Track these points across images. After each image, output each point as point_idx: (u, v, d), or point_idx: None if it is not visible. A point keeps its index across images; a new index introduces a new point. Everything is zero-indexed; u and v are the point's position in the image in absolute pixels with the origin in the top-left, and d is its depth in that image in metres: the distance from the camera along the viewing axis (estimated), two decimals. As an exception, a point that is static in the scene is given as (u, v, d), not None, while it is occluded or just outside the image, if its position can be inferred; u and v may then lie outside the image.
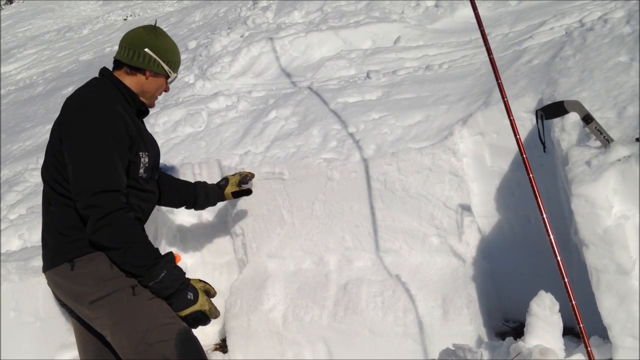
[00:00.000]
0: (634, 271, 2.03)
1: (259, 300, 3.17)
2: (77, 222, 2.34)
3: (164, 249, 3.17)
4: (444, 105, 3.43)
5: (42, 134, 6.47)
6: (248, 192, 3.21)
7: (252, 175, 3.28)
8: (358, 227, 3.18)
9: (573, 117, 2.49)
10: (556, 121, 2.59)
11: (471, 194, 3.10)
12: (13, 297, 2.68)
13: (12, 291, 2.69)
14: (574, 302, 1.99)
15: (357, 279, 3.07)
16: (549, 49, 3.51)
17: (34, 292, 2.72)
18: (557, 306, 2.12)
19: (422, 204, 3.06)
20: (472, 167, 3.15)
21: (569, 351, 2.20)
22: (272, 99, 4.36)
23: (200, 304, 2.36)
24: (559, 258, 2.04)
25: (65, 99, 2.50)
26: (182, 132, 4.27)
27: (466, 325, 2.78)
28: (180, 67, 4.48)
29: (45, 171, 2.46)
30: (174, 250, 3.40)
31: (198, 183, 3.12)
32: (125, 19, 14.66)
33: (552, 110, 2.29)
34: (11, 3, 22.78)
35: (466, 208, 3.02)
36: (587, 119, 2.21)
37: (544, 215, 2.09)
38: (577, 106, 2.24)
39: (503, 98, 2.28)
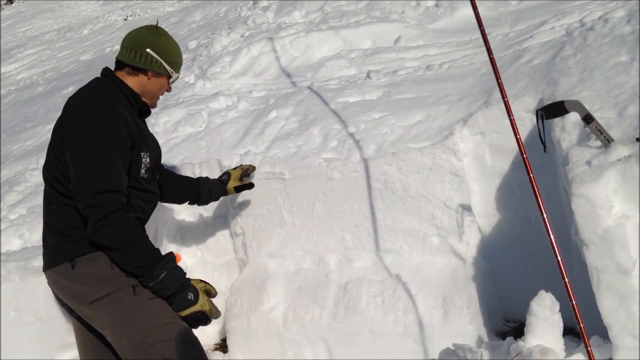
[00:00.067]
0: (634, 271, 2.03)
1: (259, 300, 3.17)
2: (78, 222, 2.34)
3: (164, 249, 3.17)
4: (445, 105, 3.43)
5: (43, 134, 6.48)
6: (250, 185, 3.22)
7: (254, 168, 3.29)
8: (358, 227, 3.18)
9: (573, 117, 2.49)
10: (556, 121, 2.59)
11: (471, 194, 3.10)
12: (13, 297, 2.68)
13: (12, 291, 2.69)
14: (574, 302, 1.99)
15: (357, 278, 3.07)
16: (550, 49, 3.51)
17: (34, 292, 2.72)
18: (557, 306, 2.12)
19: (422, 204, 3.06)
20: (473, 167, 3.15)
21: (569, 351, 2.20)
22: (272, 98, 4.36)
23: (201, 304, 2.36)
24: (559, 258, 2.04)
25: (65, 98, 2.50)
26: (183, 132, 4.27)
27: (466, 325, 2.78)
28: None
29: (47, 171, 2.46)
30: (174, 249, 3.41)
31: (200, 178, 3.13)
32: (125, 19, 14.66)
33: (552, 110, 2.29)
34: (11, 3, 22.79)
35: (466, 208, 3.02)
36: (588, 118, 2.21)
37: (544, 215, 2.09)
38: (578, 106, 2.24)
39: (503, 98, 2.28)
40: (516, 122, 2.25)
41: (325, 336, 3.02)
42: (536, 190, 2.13)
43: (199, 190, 3.05)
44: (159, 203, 2.86)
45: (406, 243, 3.09)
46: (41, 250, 2.55)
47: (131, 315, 2.31)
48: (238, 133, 3.95)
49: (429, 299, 2.87)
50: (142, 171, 2.49)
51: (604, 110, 2.53)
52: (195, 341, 2.38)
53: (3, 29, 17.48)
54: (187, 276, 2.39)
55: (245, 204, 3.42)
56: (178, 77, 2.66)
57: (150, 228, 3.09)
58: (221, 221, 3.61)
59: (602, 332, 2.17)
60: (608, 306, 2.07)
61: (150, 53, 2.50)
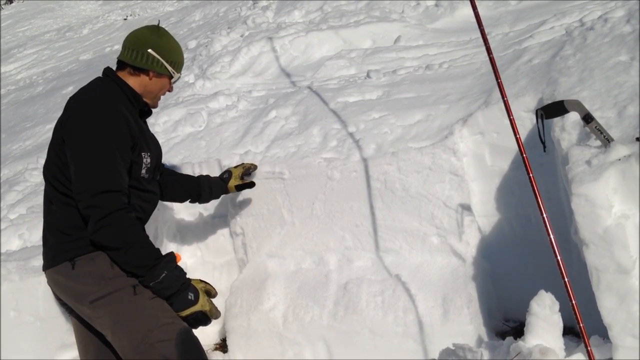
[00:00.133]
0: (634, 271, 2.03)
1: (259, 299, 3.17)
2: (79, 221, 2.34)
3: (164, 248, 3.18)
4: (444, 104, 3.43)
5: (42, 133, 6.48)
6: (251, 184, 3.22)
7: (255, 167, 3.29)
8: (358, 227, 3.18)
9: (573, 117, 2.49)
10: (556, 120, 2.59)
11: (471, 194, 3.10)
12: (13, 297, 2.68)
13: (12, 291, 2.68)
14: (574, 302, 1.99)
15: (357, 278, 3.07)
16: (549, 49, 3.50)
17: (34, 292, 2.71)
18: (557, 306, 2.12)
19: (422, 204, 3.06)
20: (472, 166, 3.15)
21: (569, 351, 2.20)
22: (272, 98, 4.36)
23: (201, 305, 2.37)
24: (559, 257, 2.04)
25: (65, 98, 2.51)
26: (182, 131, 4.27)
27: (466, 325, 2.78)
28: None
29: (47, 170, 2.46)
30: (174, 249, 3.41)
31: (201, 177, 3.13)
32: (125, 19, 14.66)
33: (552, 110, 2.29)
34: (11, 3, 22.78)
35: (466, 207, 3.02)
36: (587, 118, 2.21)
37: (544, 215, 2.09)
38: (577, 105, 2.24)
39: (503, 97, 2.28)
40: (516, 121, 2.25)
41: (325, 336, 3.02)
42: (536, 190, 2.13)
43: (199, 189, 3.06)
44: (159, 202, 2.86)
45: (406, 243, 3.09)
46: (41, 250, 2.55)
47: (131, 315, 2.31)
48: (238, 133, 3.95)
49: (428, 299, 2.87)
50: (143, 171, 2.50)
51: (604, 109, 2.53)
52: (195, 341, 2.38)
53: (3, 29, 17.48)
54: (187, 276, 2.39)
55: (245, 204, 3.42)
56: (180, 77, 2.66)
57: (150, 227, 3.09)
58: (221, 221, 3.61)
59: (602, 332, 2.17)
60: (608, 306, 2.07)
61: (152, 53, 2.50)
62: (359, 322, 2.95)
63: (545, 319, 2.11)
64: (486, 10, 5.01)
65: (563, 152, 2.48)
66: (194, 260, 3.57)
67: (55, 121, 2.51)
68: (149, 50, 2.50)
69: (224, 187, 3.15)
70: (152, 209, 2.67)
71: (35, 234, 3.57)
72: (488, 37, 2.41)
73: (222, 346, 3.47)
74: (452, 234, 3.01)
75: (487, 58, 2.36)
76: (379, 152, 3.20)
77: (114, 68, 2.57)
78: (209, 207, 3.60)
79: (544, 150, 2.33)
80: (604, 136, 2.21)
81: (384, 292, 2.96)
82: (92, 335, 2.49)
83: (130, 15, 15.00)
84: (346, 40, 5.32)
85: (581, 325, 1.98)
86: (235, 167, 3.24)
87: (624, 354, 2.05)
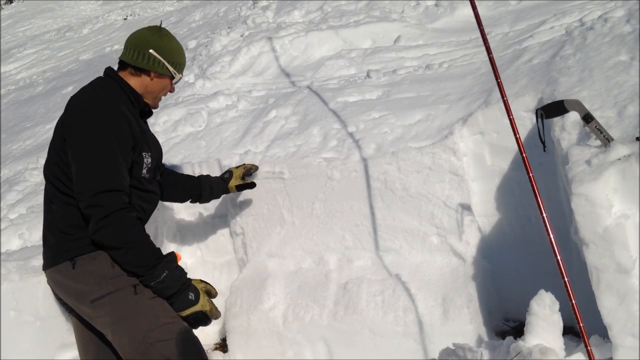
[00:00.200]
0: (634, 270, 2.03)
1: (259, 299, 3.17)
2: (79, 221, 2.34)
3: (164, 248, 3.17)
4: (444, 104, 3.43)
5: (42, 133, 6.48)
6: (252, 185, 3.22)
7: (256, 168, 3.29)
8: (358, 227, 3.18)
9: (573, 116, 2.49)
10: (556, 120, 2.59)
11: (471, 193, 3.10)
12: (13, 297, 2.67)
13: (12, 291, 2.68)
14: (574, 302, 1.99)
15: (357, 278, 3.07)
16: (549, 48, 3.50)
17: (34, 292, 2.71)
18: (557, 305, 2.12)
19: (422, 203, 3.06)
20: (472, 166, 3.15)
21: (569, 350, 2.19)
22: (272, 98, 4.36)
23: (202, 305, 2.37)
24: (559, 257, 2.04)
25: (65, 98, 2.51)
26: (182, 131, 4.27)
27: (466, 325, 2.78)
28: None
29: (48, 169, 2.47)
30: (174, 249, 3.41)
31: (202, 176, 3.13)
32: (125, 19, 14.66)
33: (552, 110, 2.29)
34: (11, 3, 22.77)
35: (466, 207, 3.02)
36: (587, 118, 2.21)
37: (544, 215, 2.09)
38: (577, 105, 2.24)
39: (503, 97, 2.28)
40: (516, 121, 2.25)
41: (325, 336, 3.02)
42: (536, 189, 2.13)
43: (200, 189, 3.06)
44: (159, 202, 2.86)
45: (406, 242, 3.09)
46: (41, 250, 2.55)
47: (132, 315, 2.31)
48: (238, 132, 3.95)
49: (428, 299, 2.87)
50: (144, 171, 2.50)
51: (604, 109, 2.53)
52: (195, 341, 2.38)
53: (3, 29, 17.48)
54: (187, 276, 2.39)
55: (245, 204, 3.42)
56: (181, 78, 2.66)
57: (150, 227, 3.09)
58: (221, 221, 3.61)
59: (602, 332, 2.17)
60: (608, 305, 2.07)
61: (153, 54, 2.50)
62: (359, 321, 2.95)
63: (545, 319, 2.11)
64: (486, 10, 5.01)
65: (563, 151, 2.48)
66: (194, 260, 3.57)
67: (56, 121, 2.51)
68: (151, 51, 2.50)
69: (224, 187, 3.15)
70: (153, 209, 2.67)
71: (35, 234, 3.57)
72: (488, 37, 2.41)
73: (222, 346, 3.47)
74: (452, 234, 3.01)
75: (487, 58, 2.36)
76: (379, 151, 3.20)
77: (115, 68, 2.57)
78: (209, 207, 3.60)
79: (544, 150, 2.33)
80: (604, 136, 2.21)
81: (384, 292, 2.96)
82: (92, 335, 2.49)
83: (130, 15, 15.00)
84: (346, 40, 5.32)
85: (581, 325, 1.98)
86: (237, 167, 3.25)
87: (624, 353, 2.05)
